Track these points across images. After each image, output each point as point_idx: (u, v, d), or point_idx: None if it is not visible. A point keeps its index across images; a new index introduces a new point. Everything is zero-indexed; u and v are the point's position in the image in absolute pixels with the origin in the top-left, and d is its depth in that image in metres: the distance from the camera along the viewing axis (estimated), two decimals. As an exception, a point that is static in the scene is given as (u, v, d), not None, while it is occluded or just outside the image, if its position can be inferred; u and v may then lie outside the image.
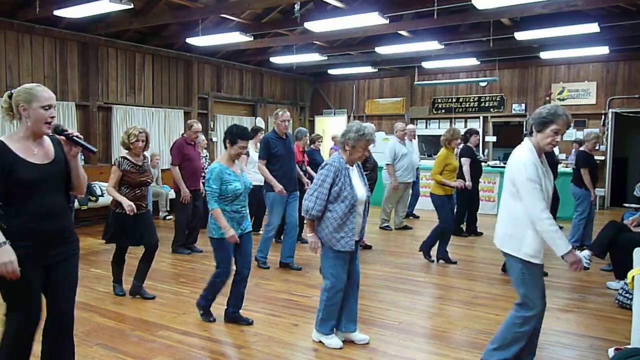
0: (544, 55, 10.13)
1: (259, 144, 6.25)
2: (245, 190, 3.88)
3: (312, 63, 11.47)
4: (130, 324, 4.05)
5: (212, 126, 11.22)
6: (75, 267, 2.66)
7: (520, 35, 8.25)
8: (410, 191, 8.62)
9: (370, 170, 6.77)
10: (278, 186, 5.51)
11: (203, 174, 6.96)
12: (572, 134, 10.49)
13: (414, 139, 8.86)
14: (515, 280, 2.96)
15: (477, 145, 8.17)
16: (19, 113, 2.44)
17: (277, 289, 4.99)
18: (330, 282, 3.53)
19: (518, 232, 2.88)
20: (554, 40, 8.99)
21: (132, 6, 6.50)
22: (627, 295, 4.33)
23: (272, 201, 5.66)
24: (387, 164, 7.82)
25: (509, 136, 11.81)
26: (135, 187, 4.45)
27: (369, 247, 6.76)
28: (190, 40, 8.67)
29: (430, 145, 12.35)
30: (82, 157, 7.66)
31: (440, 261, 6.06)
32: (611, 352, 3.40)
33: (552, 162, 3.79)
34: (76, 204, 7.83)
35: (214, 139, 11.12)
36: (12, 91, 2.49)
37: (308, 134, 7.27)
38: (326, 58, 10.91)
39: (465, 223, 7.75)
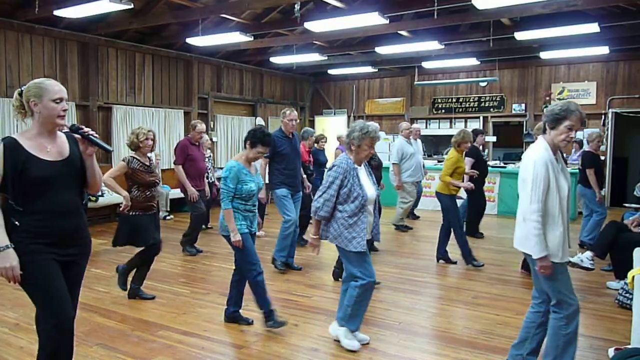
0: (544, 55, 10.12)
1: None
2: (258, 190, 3.93)
3: (312, 63, 11.46)
4: (130, 324, 4.05)
5: (212, 126, 11.22)
6: (84, 269, 2.64)
7: (520, 35, 8.24)
8: (422, 189, 8.57)
9: (374, 168, 6.72)
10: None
11: (207, 175, 6.97)
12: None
13: (419, 138, 8.85)
14: (542, 281, 2.91)
15: (484, 145, 8.11)
16: (30, 109, 2.41)
17: (277, 289, 4.98)
18: (362, 281, 3.49)
19: None
20: (554, 40, 8.98)
21: (132, 6, 6.49)
22: (627, 295, 4.33)
23: (278, 198, 5.61)
24: (393, 164, 7.80)
25: (509, 136, 11.84)
26: (145, 188, 4.48)
27: (375, 250, 6.67)
28: (190, 40, 8.66)
29: (430, 145, 12.33)
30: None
31: (441, 261, 6.06)
32: (611, 352, 3.41)
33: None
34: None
35: (214, 139, 11.12)
36: (22, 88, 2.45)
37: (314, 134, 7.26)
38: (326, 58, 10.90)
39: (465, 223, 7.72)
